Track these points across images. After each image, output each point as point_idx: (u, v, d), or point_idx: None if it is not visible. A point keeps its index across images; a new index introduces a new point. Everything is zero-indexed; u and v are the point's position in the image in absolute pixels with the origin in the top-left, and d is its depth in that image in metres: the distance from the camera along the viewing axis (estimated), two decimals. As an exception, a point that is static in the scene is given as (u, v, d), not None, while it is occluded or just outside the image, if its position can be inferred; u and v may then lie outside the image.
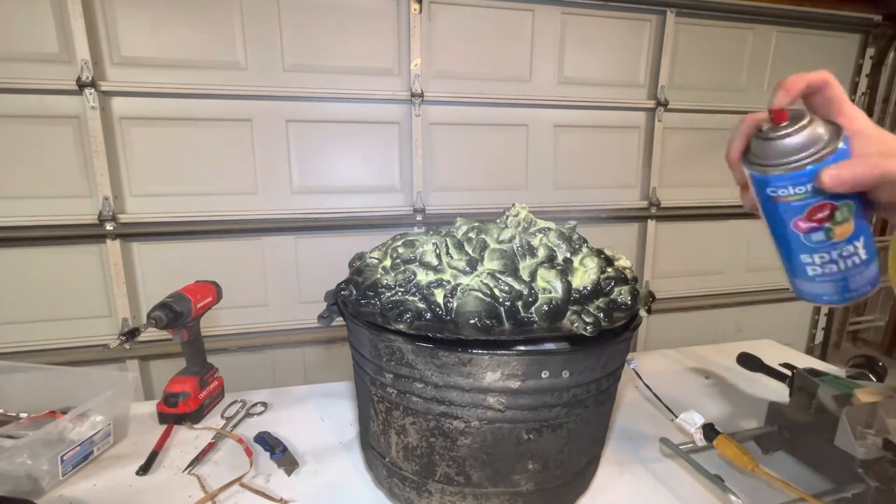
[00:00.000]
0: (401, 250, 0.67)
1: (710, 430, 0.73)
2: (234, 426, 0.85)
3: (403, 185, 1.82)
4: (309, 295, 1.80)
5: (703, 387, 1.03)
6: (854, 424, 0.63)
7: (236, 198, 1.67)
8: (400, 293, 0.61)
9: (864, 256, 0.39)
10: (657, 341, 2.18)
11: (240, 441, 0.79)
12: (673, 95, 1.98)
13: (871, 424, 0.63)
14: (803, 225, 0.38)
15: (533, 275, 0.61)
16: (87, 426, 0.73)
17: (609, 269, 0.66)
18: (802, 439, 0.73)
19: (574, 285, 0.60)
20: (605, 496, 0.69)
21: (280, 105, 1.65)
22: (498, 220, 0.75)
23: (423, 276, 0.62)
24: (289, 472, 0.72)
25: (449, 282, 0.60)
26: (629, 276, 0.67)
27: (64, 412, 0.74)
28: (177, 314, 0.81)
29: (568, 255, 0.65)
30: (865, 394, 0.68)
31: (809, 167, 0.36)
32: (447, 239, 0.67)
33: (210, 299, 0.90)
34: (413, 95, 1.72)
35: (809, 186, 0.36)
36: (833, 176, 0.34)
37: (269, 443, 0.78)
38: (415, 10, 1.67)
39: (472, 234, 0.67)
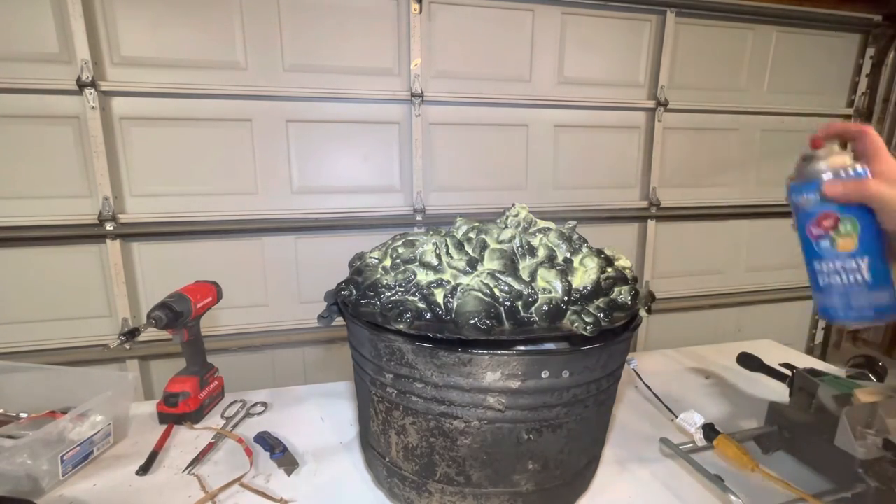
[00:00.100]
0: (401, 250, 0.67)
1: (710, 430, 0.73)
2: (234, 426, 0.85)
3: (403, 185, 1.82)
4: (309, 295, 1.80)
5: (703, 387, 1.03)
6: (854, 424, 0.63)
7: (236, 198, 1.67)
8: (400, 293, 0.61)
9: (867, 278, 0.44)
10: (657, 341, 2.18)
11: (240, 441, 0.79)
12: (673, 95, 1.98)
13: (871, 424, 0.63)
14: (814, 231, 0.46)
15: (533, 275, 0.61)
16: (87, 426, 0.73)
17: (609, 269, 0.66)
18: (802, 439, 0.73)
19: (574, 285, 0.60)
20: (605, 496, 0.69)
21: (280, 105, 1.65)
22: (498, 220, 0.75)
23: (423, 276, 0.62)
24: (289, 472, 0.72)
25: (449, 282, 0.60)
26: (629, 276, 0.67)
27: (64, 412, 0.74)
28: (177, 314, 0.81)
29: (568, 255, 0.65)
30: (865, 394, 0.68)
31: (820, 178, 0.44)
32: (447, 239, 0.67)
33: (210, 299, 0.90)
34: (413, 95, 1.72)
35: (819, 194, 0.45)
36: (831, 183, 0.43)
37: (269, 443, 0.78)
38: (415, 10, 1.67)
39: (472, 234, 0.67)
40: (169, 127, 1.58)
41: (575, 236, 0.70)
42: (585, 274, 0.63)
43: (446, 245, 0.66)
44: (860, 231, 0.43)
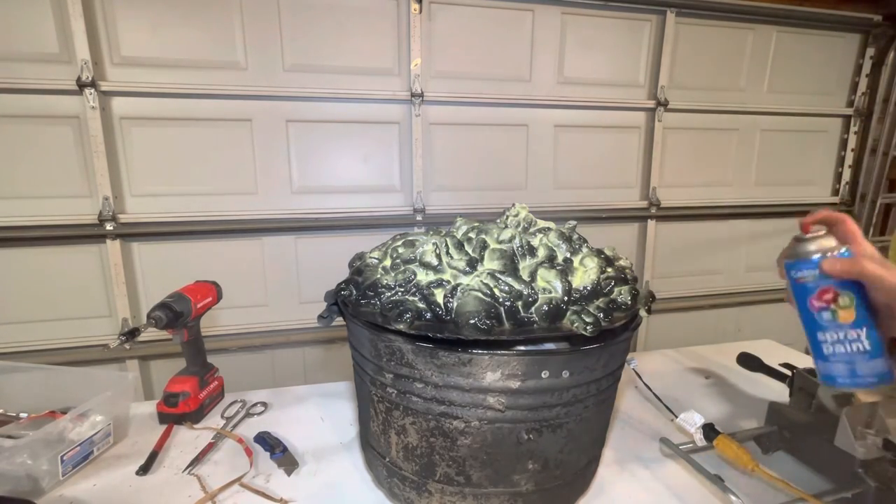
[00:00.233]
0: (401, 250, 0.67)
1: (710, 430, 0.73)
2: (234, 426, 0.85)
3: (403, 185, 1.82)
4: (309, 295, 1.80)
5: (703, 387, 1.03)
6: (854, 424, 0.63)
7: (236, 198, 1.67)
8: (400, 293, 0.61)
9: (867, 347, 0.49)
10: (657, 341, 2.18)
11: (240, 441, 0.79)
12: (673, 95, 1.98)
13: (871, 424, 0.63)
14: (816, 303, 0.51)
15: (533, 275, 0.61)
16: (87, 426, 0.73)
17: (609, 269, 0.66)
18: (802, 439, 0.73)
19: (574, 285, 0.60)
20: (605, 496, 0.69)
21: (280, 105, 1.65)
22: (498, 220, 0.75)
23: (423, 276, 0.62)
24: (289, 472, 0.72)
25: (449, 282, 0.60)
26: (629, 276, 0.67)
27: (64, 412, 0.74)
28: (177, 314, 0.81)
29: (568, 255, 0.65)
30: (865, 394, 0.68)
31: (817, 256, 0.51)
32: (447, 239, 0.67)
33: (210, 299, 0.90)
34: (413, 95, 1.72)
35: (817, 271, 0.50)
36: (829, 262, 0.50)
37: (269, 443, 0.78)
38: (415, 10, 1.67)
39: (472, 234, 0.68)
40: (169, 127, 1.58)
41: (575, 236, 0.70)
42: (585, 274, 0.63)
43: (446, 245, 0.66)
44: (856, 304, 0.49)
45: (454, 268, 0.62)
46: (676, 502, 0.68)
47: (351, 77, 1.68)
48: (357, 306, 0.63)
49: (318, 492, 0.69)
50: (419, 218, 1.81)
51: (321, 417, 0.89)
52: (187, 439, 0.81)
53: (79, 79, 1.44)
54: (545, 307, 0.57)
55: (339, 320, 0.70)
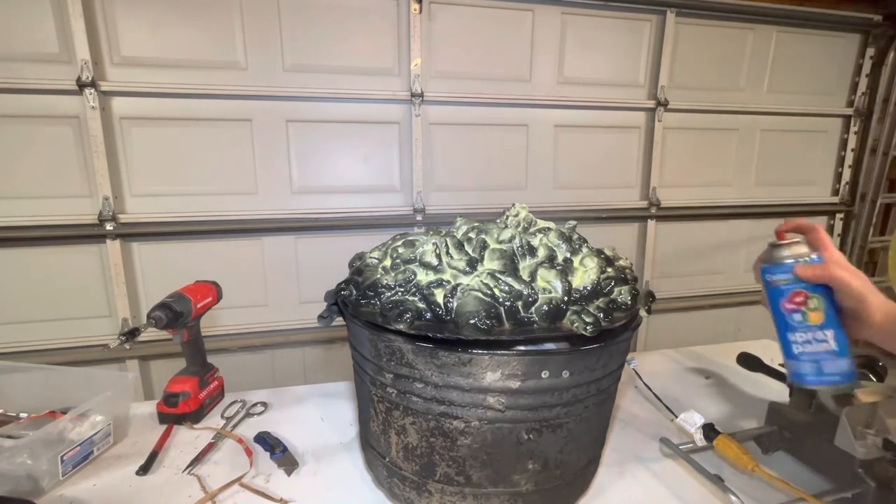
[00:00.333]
0: (401, 250, 0.67)
1: (710, 430, 0.73)
2: (234, 426, 0.85)
3: (403, 185, 1.82)
4: (309, 295, 1.80)
5: (703, 387, 1.03)
6: (854, 424, 0.63)
7: (236, 198, 1.67)
8: (400, 293, 0.61)
9: (834, 347, 0.53)
10: (657, 341, 2.18)
11: (240, 441, 0.79)
12: (673, 95, 1.98)
13: (871, 424, 0.63)
14: (788, 306, 0.55)
15: (533, 275, 0.61)
16: (87, 426, 0.73)
17: (609, 269, 0.66)
18: (802, 439, 0.73)
19: (574, 285, 0.60)
20: (605, 496, 0.69)
21: (280, 105, 1.65)
22: (498, 220, 0.75)
23: (423, 276, 0.62)
24: (289, 472, 0.72)
25: (449, 282, 0.60)
26: (629, 276, 0.67)
27: (64, 412, 0.74)
28: (177, 314, 0.81)
29: (568, 255, 0.65)
30: (865, 394, 0.68)
31: (790, 261, 0.55)
32: (447, 239, 0.67)
33: (210, 299, 0.90)
34: (413, 95, 1.72)
35: (790, 275, 0.55)
36: (801, 267, 0.54)
37: (269, 443, 0.78)
38: (415, 10, 1.67)
39: (472, 234, 0.67)
40: (169, 127, 1.58)
41: (575, 236, 0.70)
42: (585, 274, 0.63)
43: (446, 245, 0.65)
44: (825, 306, 0.53)
45: (454, 268, 0.62)
46: (676, 502, 0.68)
47: (351, 77, 1.68)
48: (357, 306, 0.63)
49: (318, 492, 0.69)
50: (419, 218, 1.81)
51: (321, 417, 0.89)
52: (187, 439, 0.80)
53: (79, 79, 1.45)
54: (545, 307, 0.57)
55: (339, 320, 0.70)
